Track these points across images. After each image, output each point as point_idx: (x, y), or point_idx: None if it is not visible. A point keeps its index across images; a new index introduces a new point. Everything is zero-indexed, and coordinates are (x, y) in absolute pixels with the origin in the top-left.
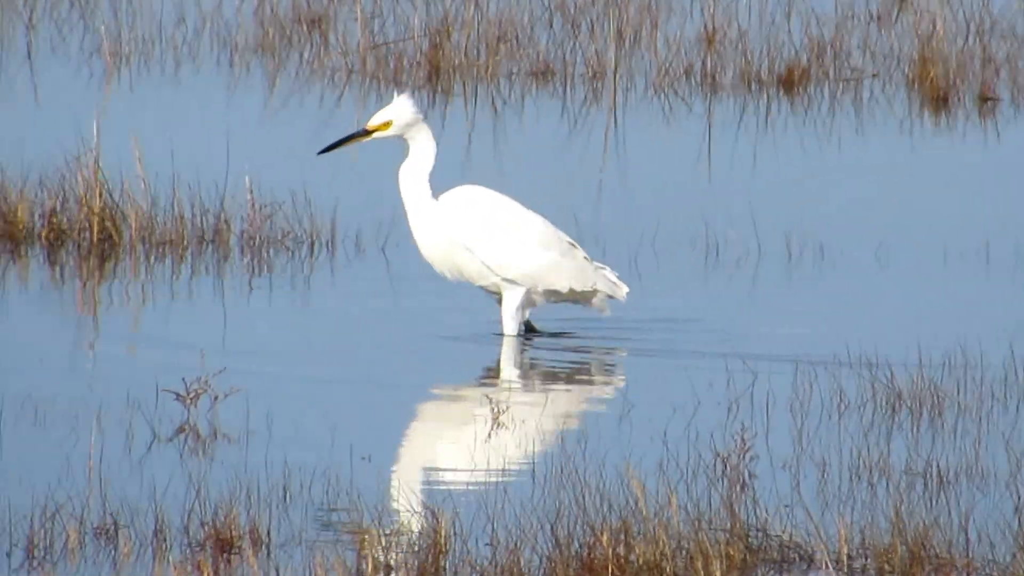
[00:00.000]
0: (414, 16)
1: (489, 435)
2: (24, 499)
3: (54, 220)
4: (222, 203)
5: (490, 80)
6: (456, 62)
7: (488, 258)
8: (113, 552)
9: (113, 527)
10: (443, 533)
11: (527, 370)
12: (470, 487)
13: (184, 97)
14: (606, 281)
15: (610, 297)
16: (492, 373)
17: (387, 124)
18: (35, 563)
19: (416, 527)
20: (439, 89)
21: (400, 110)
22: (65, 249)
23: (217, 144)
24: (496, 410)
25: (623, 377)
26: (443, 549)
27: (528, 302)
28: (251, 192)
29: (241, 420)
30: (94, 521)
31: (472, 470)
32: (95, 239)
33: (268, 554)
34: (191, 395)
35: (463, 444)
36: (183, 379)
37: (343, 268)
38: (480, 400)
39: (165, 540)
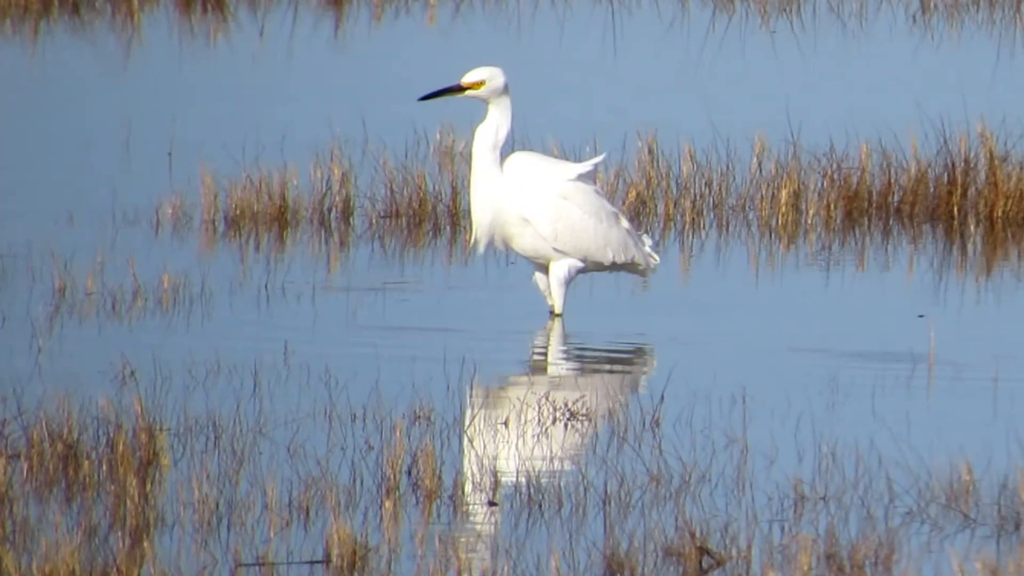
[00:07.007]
0: None
1: None
2: None
3: None
4: None
5: None
6: None
7: (545, 230)
8: None
9: None
10: None
11: None
12: None
13: None
14: (642, 253)
15: (638, 268)
16: None
17: (480, 84)
18: None
19: None
20: None
21: (495, 74)
22: None
23: None
24: None
25: None
26: None
27: (574, 274)
28: None
29: None
30: None
31: None
32: None
33: None
34: None
35: None
36: None
37: None
38: None
39: None
